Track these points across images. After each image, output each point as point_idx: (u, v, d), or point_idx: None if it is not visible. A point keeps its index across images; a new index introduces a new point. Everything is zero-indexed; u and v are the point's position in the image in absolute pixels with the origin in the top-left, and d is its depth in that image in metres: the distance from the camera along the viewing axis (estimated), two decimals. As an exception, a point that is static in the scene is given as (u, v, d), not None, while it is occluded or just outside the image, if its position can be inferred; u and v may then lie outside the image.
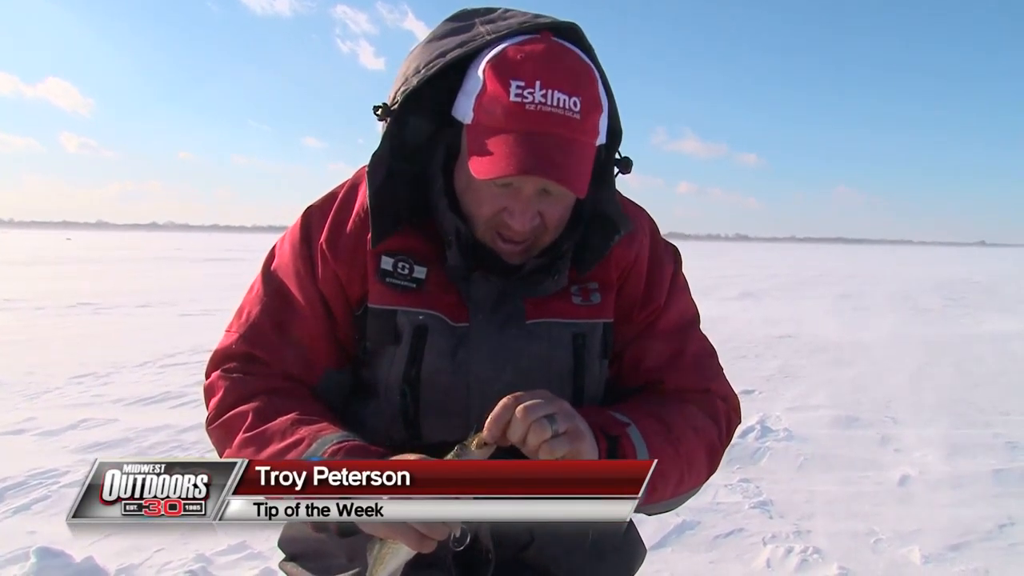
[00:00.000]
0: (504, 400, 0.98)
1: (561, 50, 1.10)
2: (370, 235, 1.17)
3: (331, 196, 1.27)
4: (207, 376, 1.24)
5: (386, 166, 1.17)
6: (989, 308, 15.31)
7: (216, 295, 15.03)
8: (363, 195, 1.22)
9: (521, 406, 0.96)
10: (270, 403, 1.15)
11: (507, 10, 1.20)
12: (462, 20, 1.20)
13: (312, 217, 1.25)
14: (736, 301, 15.75)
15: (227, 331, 1.26)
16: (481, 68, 1.10)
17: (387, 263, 1.18)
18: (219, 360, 1.24)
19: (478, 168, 1.07)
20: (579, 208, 1.19)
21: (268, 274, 1.27)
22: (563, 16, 1.15)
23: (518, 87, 1.05)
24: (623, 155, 1.22)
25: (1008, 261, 54.14)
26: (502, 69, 1.07)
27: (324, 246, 1.21)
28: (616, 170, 1.22)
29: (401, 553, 0.98)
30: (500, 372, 1.16)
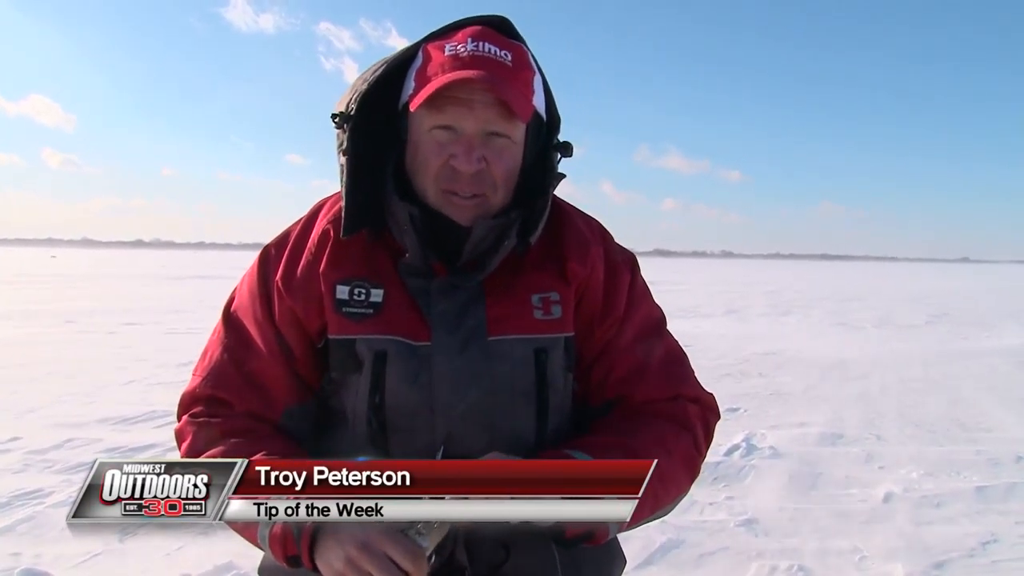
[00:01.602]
0: None
1: (493, 31, 1.19)
2: (324, 269, 1.20)
3: (286, 234, 1.29)
4: (178, 419, 1.26)
5: (352, 164, 1.20)
6: (972, 325, 15.46)
7: (202, 313, 14.97)
8: (317, 230, 1.25)
9: None
10: (235, 446, 1.16)
11: None
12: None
13: (268, 256, 1.28)
14: (721, 318, 15.81)
15: (193, 374, 1.27)
16: (420, 49, 1.19)
17: (343, 292, 1.19)
18: (186, 404, 1.25)
19: (419, 97, 1.12)
20: (524, 188, 1.23)
21: (228, 316, 1.29)
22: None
23: (451, 46, 1.15)
24: (562, 140, 1.26)
25: (991, 277, 54.63)
26: (436, 41, 1.18)
27: (280, 283, 1.22)
28: (558, 156, 1.25)
29: None
30: (464, 392, 1.17)
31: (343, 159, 1.20)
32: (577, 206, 1.36)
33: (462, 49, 1.14)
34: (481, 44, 1.14)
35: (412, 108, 1.13)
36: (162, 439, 5.26)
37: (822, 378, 8.50)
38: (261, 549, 1.14)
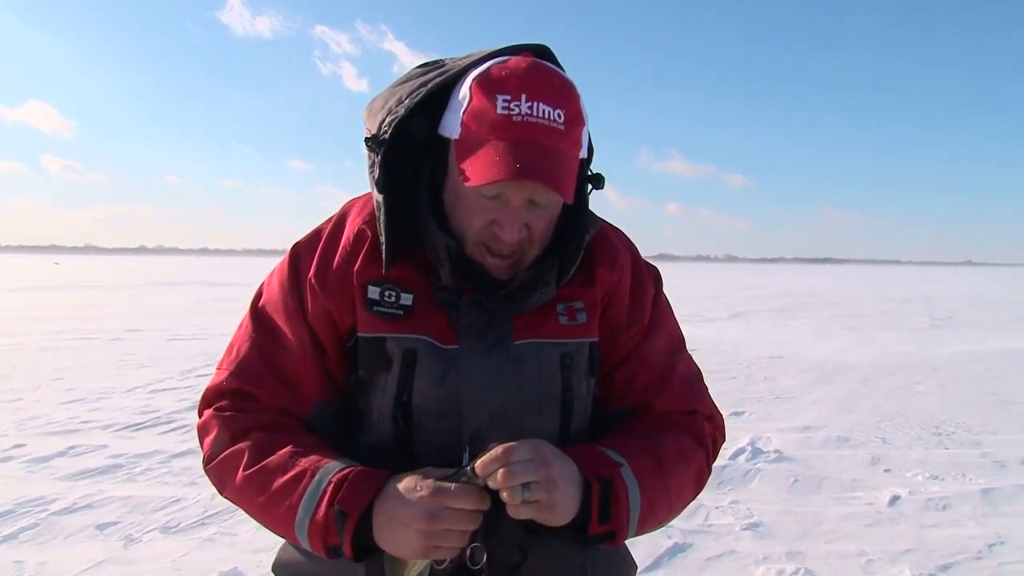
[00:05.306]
0: (496, 451, 1.02)
1: (542, 67, 1.15)
2: (358, 267, 1.20)
3: (317, 232, 1.29)
4: (200, 415, 1.25)
5: (388, 199, 1.19)
6: (977, 328, 15.44)
7: (206, 320, 14.99)
8: (349, 228, 1.25)
9: (503, 470, 1.00)
10: (265, 439, 1.17)
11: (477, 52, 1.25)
12: (434, 64, 1.26)
13: (300, 253, 1.27)
14: (726, 322, 15.82)
15: (218, 369, 1.27)
16: (467, 85, 1.14)
17: (374, 292, 1.20)
18: (211, 398, 1.25)
19: (470, 176, 1.10)
20: (559, 226, 1.22)
21: (257, 311, 1.28)
22: (541, 39, 1.22)
23: (504, 100, 1.09)
24: (594, 171, 1.26)
25: (995, 280, 54.55)
26: (488, 84, 1.12)
27: (313, 280, 1.23)
28: (589, 186, 1.26)
29: (418, 564, 1.05)
30: (491, 394, 1.18)
31: (379, 196, 1.19)
32: None
33: (516, 111, 1.09)
34: (536, 106, 1.09)
35: (467, 184, 1.10)
36: (167, 445, 5.27)
37: (827, 381, 8.49)
38: (289, 539, 1.15)
